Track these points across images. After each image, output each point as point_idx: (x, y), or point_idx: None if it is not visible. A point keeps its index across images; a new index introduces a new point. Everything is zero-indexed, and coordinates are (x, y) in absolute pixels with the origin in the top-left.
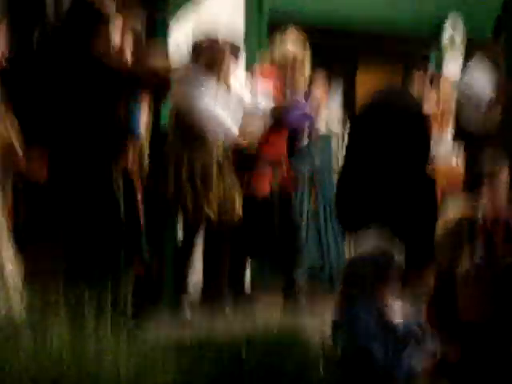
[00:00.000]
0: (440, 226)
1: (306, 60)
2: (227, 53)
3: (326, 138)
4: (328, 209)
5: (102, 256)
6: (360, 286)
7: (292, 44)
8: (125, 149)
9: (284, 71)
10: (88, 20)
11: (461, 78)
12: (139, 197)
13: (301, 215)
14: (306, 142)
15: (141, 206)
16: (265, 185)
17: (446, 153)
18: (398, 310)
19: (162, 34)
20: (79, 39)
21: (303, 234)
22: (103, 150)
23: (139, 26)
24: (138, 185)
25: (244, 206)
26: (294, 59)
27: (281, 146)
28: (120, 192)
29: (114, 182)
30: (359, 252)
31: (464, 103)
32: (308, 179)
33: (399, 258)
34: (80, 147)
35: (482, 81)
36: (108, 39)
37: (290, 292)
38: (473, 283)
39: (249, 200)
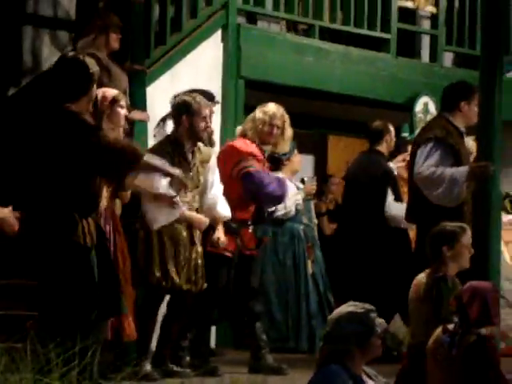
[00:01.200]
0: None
1: (287, 126)
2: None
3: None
4: (324, 271)
5: (74, 314)
6: (342, 343)
7: (275, 110)
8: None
9: (265, 137)
10: (78, 78)
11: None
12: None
13: (305, 279)
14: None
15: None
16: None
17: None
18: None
19: (138, 88)
20: (64, 96)
21: (311, 296)
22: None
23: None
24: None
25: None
26: (277, 125)
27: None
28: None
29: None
30: (336, 312)
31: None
32: (304, 241)
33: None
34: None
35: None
36: (91, 99)
37: (256, 352)
38: (441, 361)
39: (211, 258)
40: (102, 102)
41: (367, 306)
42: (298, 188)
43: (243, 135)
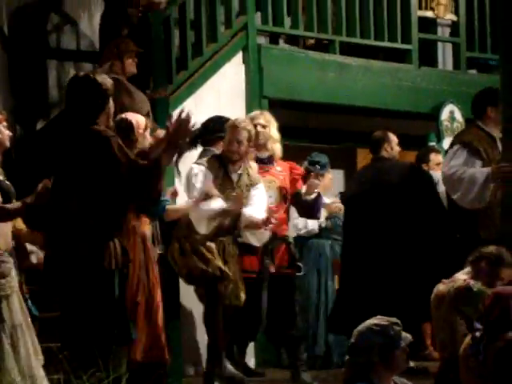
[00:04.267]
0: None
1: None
2: None
3: (339, 214)
4: None
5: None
6: (365, 355)
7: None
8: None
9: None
10: (92, 96)
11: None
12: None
13: (326, 296)
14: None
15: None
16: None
17: None
18: None
19: (161, 113)
20: (83, 117)
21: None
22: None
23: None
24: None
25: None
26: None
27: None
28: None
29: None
30: (362, 325)
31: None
32: (330, 256)
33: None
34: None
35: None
36: (109, 115)
37: (295, 369)
38: (473, 369)
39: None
40: (136, 128)
41: (393, 319)
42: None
43: None
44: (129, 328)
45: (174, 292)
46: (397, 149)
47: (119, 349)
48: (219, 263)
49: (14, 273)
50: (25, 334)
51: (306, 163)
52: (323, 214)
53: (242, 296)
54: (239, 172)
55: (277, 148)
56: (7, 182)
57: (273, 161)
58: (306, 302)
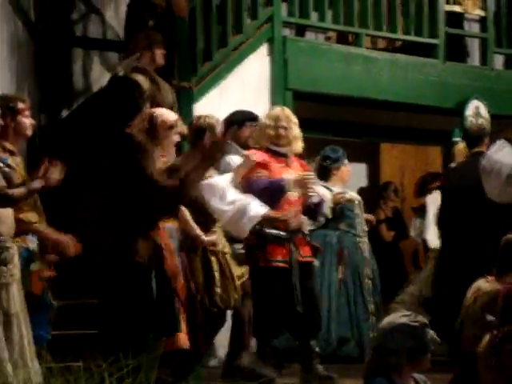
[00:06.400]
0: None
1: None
2: None
3: (351, 205)
4: (357, 279)
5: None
6: (394, 358)
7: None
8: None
9: (274, 140)
10: (131, 98)
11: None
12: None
13: (329, 286)
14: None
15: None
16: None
17: None
18: None
19: (186, 104)
20: (120, 117)
21: (333, 305)
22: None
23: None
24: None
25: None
26: (283, 126)
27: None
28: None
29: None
30: (388, 321)
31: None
32: (335, 247)
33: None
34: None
35: (504, 154)
36: (144, 117)
37: (307, 363)
38: (492, 367)
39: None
40: (161, 126)
41: (421, 318)
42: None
43: (256, 146)
44: (176, 320)
45: None
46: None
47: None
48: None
49: (16, 260)
50: (21, 324)
51: (318, 158)
52: (328, 204)
53: (235, 296)
54: None
55: (298, 146)
56: (7, 170)
57: (291, 156)
58: None
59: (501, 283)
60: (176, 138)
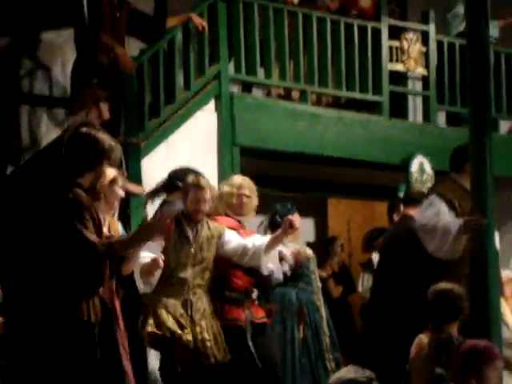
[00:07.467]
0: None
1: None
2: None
3: (307, 262)
4: (316, 338)
5: None
6: None
7: (241, 181)
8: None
9: (236, 209)
10: (86, 154)
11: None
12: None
13: (292, 348)
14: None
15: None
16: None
17: None
18: None
19: (134, 160)
20: (70, 169)
21: (297, 366)
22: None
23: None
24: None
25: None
26: (245, 194)
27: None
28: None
29: (88, 313)
30: (337, 377)
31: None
32: (295, 305)
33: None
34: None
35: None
36: (98, 176)
37: None
38: None
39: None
40: (101, 181)
41: (368, 372)
42: (282, 257)
43: (216, 213)
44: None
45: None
46: None
47: None
48: (170, 324)
49: None
50: None
51: (268, 215)
52: (289, 262)
53: (225, 349)
54: (196, 228)
55: (252, 215)
56: None
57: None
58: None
59: (444, 335)
60: (120, 193)
